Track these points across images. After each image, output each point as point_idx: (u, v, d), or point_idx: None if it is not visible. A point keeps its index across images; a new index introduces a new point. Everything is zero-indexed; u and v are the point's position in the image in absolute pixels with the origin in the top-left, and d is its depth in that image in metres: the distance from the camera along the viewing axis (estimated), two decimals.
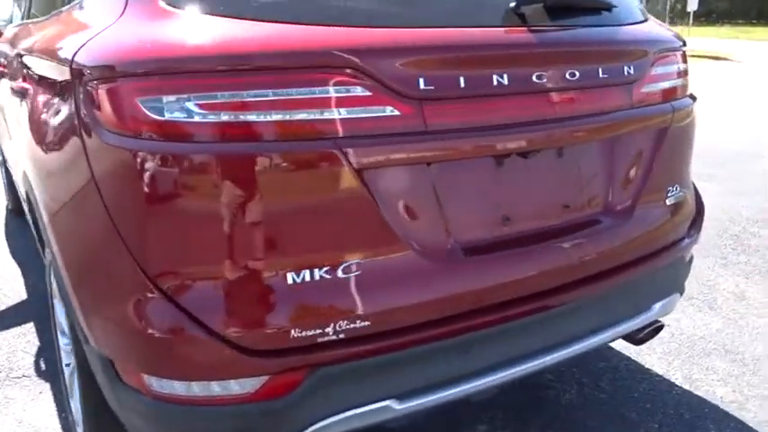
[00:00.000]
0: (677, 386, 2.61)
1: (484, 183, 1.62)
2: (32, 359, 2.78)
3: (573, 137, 1.72)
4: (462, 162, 1.57)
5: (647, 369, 2.74)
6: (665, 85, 1.95)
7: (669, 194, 2.00)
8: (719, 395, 2.55)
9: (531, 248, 1.68)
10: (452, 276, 1.56)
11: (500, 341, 1.64)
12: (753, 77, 13.61)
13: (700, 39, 22.34)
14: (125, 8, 1.51)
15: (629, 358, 2.81)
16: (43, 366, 2.73)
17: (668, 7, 19.70)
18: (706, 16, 36.56)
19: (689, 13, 20.68)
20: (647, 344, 2.82)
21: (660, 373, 2.70)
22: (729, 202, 4.97)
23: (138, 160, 1.34)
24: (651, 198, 1.93)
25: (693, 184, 2.25)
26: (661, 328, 2.18)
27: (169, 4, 1.44)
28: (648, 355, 2.82)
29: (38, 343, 2.91)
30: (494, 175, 1.63)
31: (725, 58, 17.99)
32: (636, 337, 2.17)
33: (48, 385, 2.59)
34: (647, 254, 1.93)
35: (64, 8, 2.07)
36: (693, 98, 2.11)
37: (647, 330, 2.12)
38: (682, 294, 2.16)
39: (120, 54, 1.40)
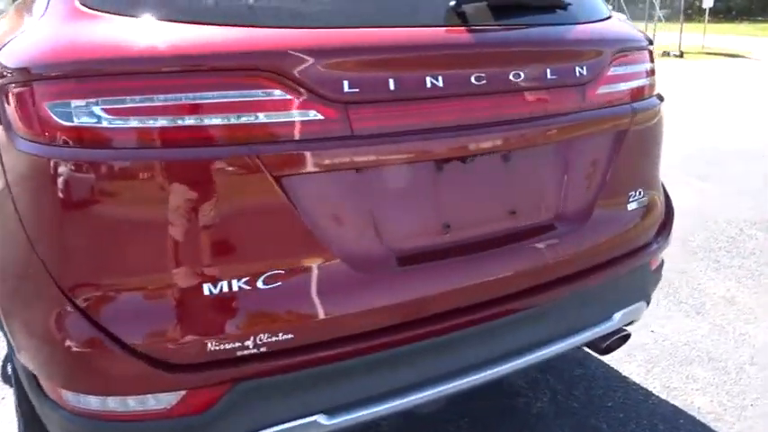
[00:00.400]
0: (654, 395, 2.53)
1: (420, 189, 1.56)
2: (0, 364, 2.76)
3: (517, 141, 1.65)
4: (395, 168, 1.50)
5: (625, 377, 2.66)
6: (626, 85, 1.86)
7: (631, 199, 1.91)
8: (697, 405, 2.47)
9: (474, 257, 1.61)
10: (384, 287, 1.49)
11: (438, 354, 1.57)
12: None
13: (716, 36, 21.94)
14: (47, 8, 1.46)
15: (607, 365, 2.73)
16: (10, 371, 2.70)
17: (683, 3, 19.34)
18: (725, 13, 35.99)
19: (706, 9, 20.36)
20: (627, 351, 2.76)
21: (638, 382, 2.62)
22: (729, 203, 4.85)
23: (49, 168, 1.29)
24: (610, 203, 1.85)
25: (664, 188, 2.17)
26: (627, 337, 2.09)
27: (84, 5, 1.39)
28: (628, 363, 2.74)
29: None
30: (431, 180, 1.56)
31: (742, 56, 17.67)
32: (600, 346, 2.08)
33: (11, 390, 2.56)
34: (605, 261, 1.85)
35: (10, 8, 2.04)
36: (661, 98, 2.03)
37: (611, 339, 2.04)
38: (648, 303, 2.08)
39: (28, 56, 1.35)
